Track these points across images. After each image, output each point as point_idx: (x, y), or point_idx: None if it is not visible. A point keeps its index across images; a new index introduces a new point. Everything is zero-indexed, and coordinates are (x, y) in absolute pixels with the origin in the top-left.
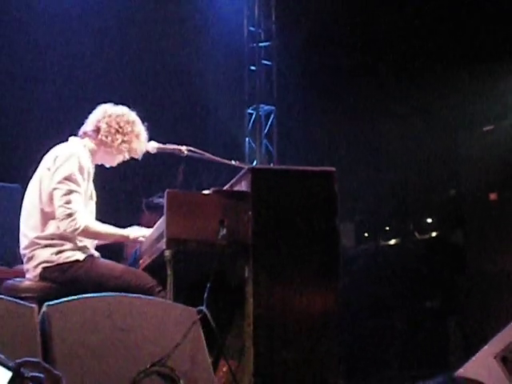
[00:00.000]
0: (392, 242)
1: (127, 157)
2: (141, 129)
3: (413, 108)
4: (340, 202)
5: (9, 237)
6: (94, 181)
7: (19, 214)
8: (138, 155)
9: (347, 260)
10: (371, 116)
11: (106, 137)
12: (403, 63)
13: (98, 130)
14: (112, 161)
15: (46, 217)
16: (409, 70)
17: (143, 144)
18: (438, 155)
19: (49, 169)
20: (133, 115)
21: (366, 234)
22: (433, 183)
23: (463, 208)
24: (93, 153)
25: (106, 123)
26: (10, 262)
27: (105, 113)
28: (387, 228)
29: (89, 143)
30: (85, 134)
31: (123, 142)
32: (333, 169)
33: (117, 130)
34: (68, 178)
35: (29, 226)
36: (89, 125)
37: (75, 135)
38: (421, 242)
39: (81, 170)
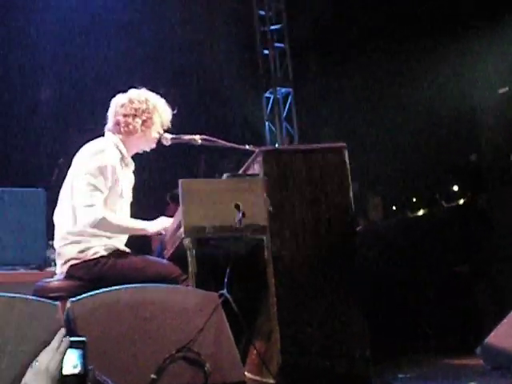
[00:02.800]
0: (420, 212)
1: (159, 132)
2: (155, 101)
3: (429, 73)
4: (365, 176)
5: (37, 241)
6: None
7: (44, 218)
8: (167, 125)
9: (377, 233)
10: (389, 88)
11: (127, 126)
12: (415, 29)
13: (118, 123)
14: (147, 144)
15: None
16: (422, 33)
17: (165, 112)
18: (455, 121)
19: (77, 166)
20: (142, 93)
21: (394, 207)
22: (454, 150)
23: (485, 172)
24: (126, 146)
25: (122, 114)
26: (41, 265)
27: (117, 104)
28: (414, 200)
29: (117, 139)
30: (109, 130)
31: (143, 122)
32: (343, 144)
33: (134, 115)
34: (90, 173)
35: (61, 221)
36: (109, 121)
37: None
38: (448, 210)
39: (103, 170)
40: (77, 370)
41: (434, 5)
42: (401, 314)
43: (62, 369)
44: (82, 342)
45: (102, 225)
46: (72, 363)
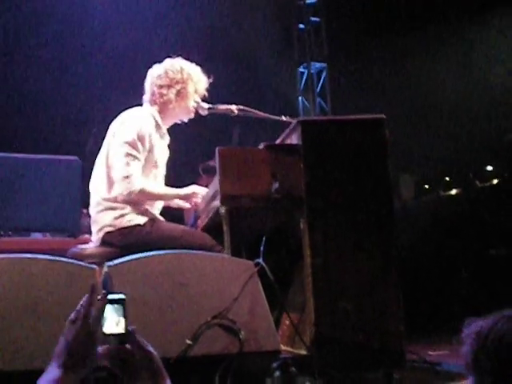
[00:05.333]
0: (453, 192)
1: (195, 100)
2: (190, 70)
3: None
4: (399, 154)
5: (72, 209)
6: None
7: (79, 187)
8: (202, 93)
9: (409, 212)
10: (425, 65)
11: (162, 96)
12: (457, 10)
13: (153, 94)
14: (184, 114)
15: (112, 180)
16: (459, 11)
17: (200, 81)
18: (492, 99)
19: (114, 134)
20: (177, 62)
21: (427, 186)
22: (490, 128)
23: None
24: (162, 117)
25: (157, 85)
26: (75, 232)
27: (153, 75)
28: (447, 178)
29: (153, 110)
30: (146, 101)
31: (178, 92)
32: (383, 116)
33: (168, 86)
34: (128, 143)
35: (97, 188)
36: (146, 92)
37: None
38: (482, 190)
39: (141, 138)
40: (119, 329)
41: None
42: (435, 294)
43: (102, 327)
44: (122, 299)
45: (141, 195)
46: (114, 321)
